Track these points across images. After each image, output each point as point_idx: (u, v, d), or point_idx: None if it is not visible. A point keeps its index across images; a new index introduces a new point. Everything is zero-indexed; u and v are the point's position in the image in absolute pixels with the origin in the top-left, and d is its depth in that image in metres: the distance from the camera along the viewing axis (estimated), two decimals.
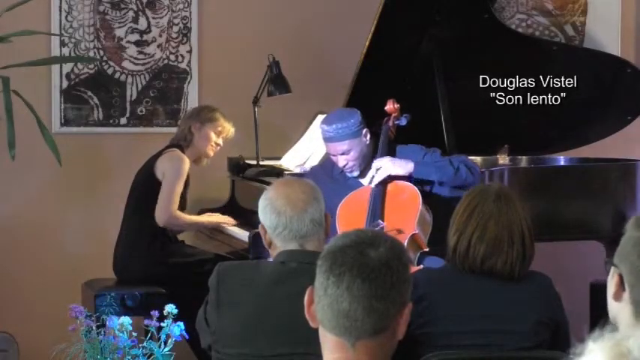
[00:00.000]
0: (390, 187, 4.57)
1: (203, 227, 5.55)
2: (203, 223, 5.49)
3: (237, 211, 5.55)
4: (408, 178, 4.61)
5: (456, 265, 3.29)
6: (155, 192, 5.25)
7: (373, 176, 4.59)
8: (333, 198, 4.53)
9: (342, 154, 4.64)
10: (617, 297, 2.24)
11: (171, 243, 5.34)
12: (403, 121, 4.79)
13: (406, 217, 4.47)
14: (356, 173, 4.70)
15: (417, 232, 4.42)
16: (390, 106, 4.79)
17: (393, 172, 4.58)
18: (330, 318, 2.00)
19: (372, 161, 4.65)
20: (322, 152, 5.20)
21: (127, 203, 5.38)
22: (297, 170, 5.20)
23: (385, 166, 4.58)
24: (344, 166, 4.67)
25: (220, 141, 5.43)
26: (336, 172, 4.76)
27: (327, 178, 4.71)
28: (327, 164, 4.86)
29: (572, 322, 3.36)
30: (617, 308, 2.24)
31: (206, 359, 3.28)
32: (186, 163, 5.29)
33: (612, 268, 2.26)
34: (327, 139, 4.66)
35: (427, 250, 4.40)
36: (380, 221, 4.44)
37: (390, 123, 4.77)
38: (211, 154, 5.44)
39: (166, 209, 5.23)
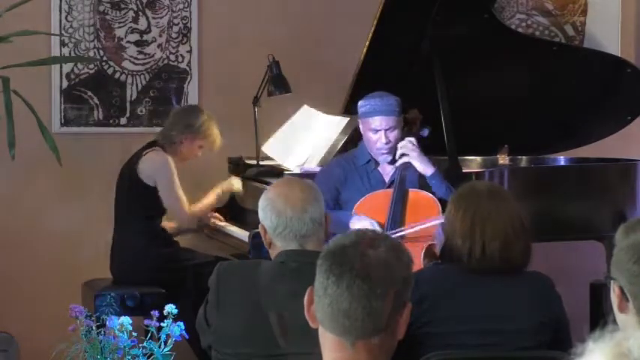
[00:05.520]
0: (411, 195, 4.58)
1: (216, 203, 5.54)
2: (213, 203, 5.51)
3: (237, 211, 5.55)
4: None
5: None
6: (146, 197, 5.22)
7: (400, 154, 4.63)
8: (360, 186, 4.59)
9: (388, 129, 4.64)
10: (622, 308, 2.24)
11: (167, 247, 5.32)
12: (425, 132, 4.81)
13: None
14: (389, 157, 4.70)
15: (435, 242, 4.45)
16: (413, 115, 4.80)
17: (415, 162, 4.61)
18: (329, 318, 2.00)
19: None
20: (322, 152, 5.19)
21: (116, 208, 5.35)
22: (297, 170, 5.20)
23: (411, 154, 4.61)
24: (384, 144, 4.66)
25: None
26: (358, 163, 4.77)
27: (352, 167, 4.75)
28: (346, 156, 4.85)
29: (573, 322, 3.37)
30: (625, 320, 2.24)
31: (206, 359, 3.28)
32: (170, 162, 5.26)
33: (612, 282, 2.26)
34: (377, 112, 4.64)
35: (440, 261, 4.42)
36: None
37: (412, 132, 4.79)
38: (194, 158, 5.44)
39: (183, 213, 5.29)
